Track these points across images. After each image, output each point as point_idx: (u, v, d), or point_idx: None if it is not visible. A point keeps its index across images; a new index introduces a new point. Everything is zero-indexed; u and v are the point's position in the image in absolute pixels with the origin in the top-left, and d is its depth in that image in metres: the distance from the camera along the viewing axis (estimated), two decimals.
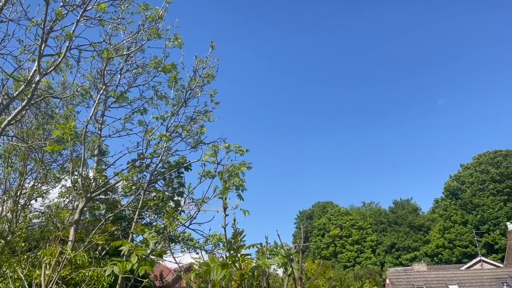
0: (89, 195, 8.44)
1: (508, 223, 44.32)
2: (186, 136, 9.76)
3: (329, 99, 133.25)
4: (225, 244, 3.62)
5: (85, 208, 10.61)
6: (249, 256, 3.55)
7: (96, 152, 9.98)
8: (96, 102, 9.22)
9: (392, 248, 71.43)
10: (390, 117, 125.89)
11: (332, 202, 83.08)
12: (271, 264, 4.23)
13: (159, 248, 3.58)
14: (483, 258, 46.14)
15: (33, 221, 11.07)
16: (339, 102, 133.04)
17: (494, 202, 57.93)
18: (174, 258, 5.24)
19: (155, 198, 9.34)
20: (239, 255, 3.49)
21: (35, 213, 10.82)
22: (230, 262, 3.44)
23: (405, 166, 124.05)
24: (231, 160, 8.08)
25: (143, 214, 9.71)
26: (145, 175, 10.26)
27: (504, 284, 33.19)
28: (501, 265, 43.89)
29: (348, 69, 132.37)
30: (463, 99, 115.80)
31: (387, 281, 41.66)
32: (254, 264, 3.66)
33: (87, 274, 6.33)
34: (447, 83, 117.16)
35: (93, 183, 8.97)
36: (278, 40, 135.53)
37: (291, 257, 4.37)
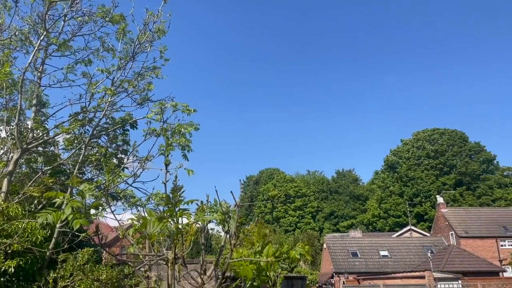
0: (25, 146, 8.03)
1: (438, 196, 47.81)
2: (133, 92, 9.46)
3: (280, 70, 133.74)
4: (164, 199, 3.64)
5: (21, 160, 10.14)
6: (187, 211, 3.60)
7: (34, 102, 9.44)
8: (36, 48, 8.63)
9: (331, 216, 75.00)
10: (339, 89, 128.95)
11: (279, 169, 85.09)
12: (209, 221, 4.32)
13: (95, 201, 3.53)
14: (412, 228, 49.71)
15: None
16: (290, 73, 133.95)
17: (428, 177, 61.99)
18: (114, 214, 5.19)
19: (97, 154, 9.07)
20: (177, 209, 3.52)
21: None
22: (167, 216, 3.48)
23: (350, 138, 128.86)
24: (178, 119, 7.96)
25: (84, 169, 9.43)
26: (87, 129, 9.90)
27: (429, 251, 36.04)
28: (428, 234, 47.58)
29: (302, 38, 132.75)
30: (412, 77, 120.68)
31: (324, 245, 43.91)
32: (192, 219, 3.72)
33: (20, 226, 6.13)
34: (399, 60, 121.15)
35: (30, 134, 8.53)
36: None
37: (229, 214, 4.48)
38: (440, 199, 45.46)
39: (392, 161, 67.98)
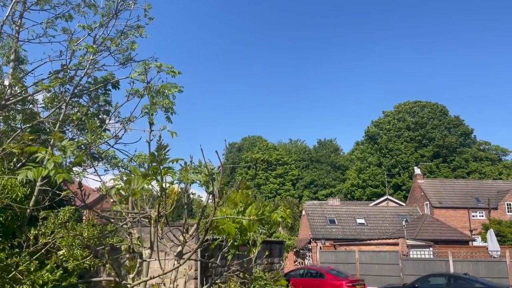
0: (3, 102, 7.82)
1: (415, 167, 48.96)
2: (115, 51, 9.20)
3: (263, 40, 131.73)
4: (148, 158, 3.63)
5: None
6: (172, 170, 3.61)
7: (12, 57, 9.10)
8: (14, 0, 8.26)
9: (311, 184, 76.28)
10: (325, 57, 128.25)
11: (261, 137, 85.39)
12: (193, 181, 4.34)
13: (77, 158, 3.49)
14: (389, 197, 51.08)
15: None
16: (275, 43, 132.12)
17: (407, 148, 63.16)
18: (97, 173, 5.17)
19: (78, 113, 8.89)
20: (161, 167, 3.53)
21: None
22: (152, 173, 3.49)
23: (333, 109, 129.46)
24: (162, 81, 7.83)
25: (65, 128, 9.26)
26: (68, 88, 9.66)
27: (404, 220, 37.26)
28: (404, 204, 49.03)
29: (285, 4, 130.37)
30: (398, 50, 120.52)
31: (303, 212, 44.87)
32: (176, 178, 3.73)
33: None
34: (385, 31, 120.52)
35: (9, 90, 8.28)
36: None
37: (213, 176, 4.50)
38: (417, 171, 46.65)
39: (373, 132, 68.80)
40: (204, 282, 11.78)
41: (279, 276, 14.92)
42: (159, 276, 3.67)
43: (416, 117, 65.52)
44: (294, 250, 40.34)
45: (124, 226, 4.32)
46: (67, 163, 3.98)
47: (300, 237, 44.74)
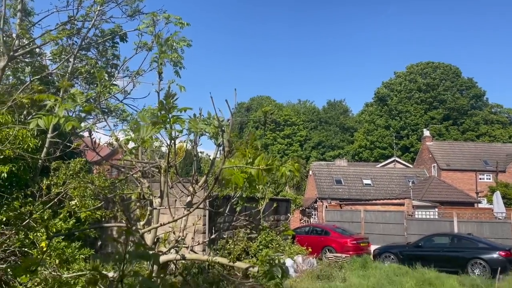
0: (11, 53, 7.75)
1: (424, 129, 48.63)
2: (122, 2, 9.00)
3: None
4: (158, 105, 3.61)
5: (8, 71, 9.88)
6: (181, 118, 3.58)
7: (19, 7, 8.95)
8: None
9: (319, 145, 76.35)
10: (337, 19, 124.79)
11: (270, 97, 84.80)
12: (202, 132, 4.33)
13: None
14: (397, 159, 51.13)
15: None
16: (287, 2, 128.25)
17: (417, 110, 62.49)
18: (107, 123, 5.18)
19: (86, 65, 8.82)
20: (170, 115, 3.51)
21: None
22: (161, 121, 3.47)
23: (344, 68, 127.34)
24: (170, 33, 7.68)
25: (73, 81, 9.24)
26: (75, 41, 9.55)
27: (410, 181, 37.43)
28: (411, 166, 49.11)
29: None
30: (413, 9, 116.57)
31: (310, 172, 45.22)
32: (185, 127, 3.72)
33: (11, 132, 6.12)
34: None
35: (17, 41, 8.20)
36: None
37: (222, 128, 4.49)
38: (426, 133, 46.37)
39: (383, 93, 67.88)
40: (213, 232, 12.08)
41: (286, 226, 15.22)
42: (169, 222, 3.75)
43: (428, 78, 64.28)
44: (300, 209, 41.03)
45: (135, 175, 4.37)
46: (78, 112, 3.98)
47: (306, 196, 45.36)
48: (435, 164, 42.49)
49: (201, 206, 4.29)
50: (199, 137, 5.02)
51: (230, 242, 15.30)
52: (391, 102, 65.34)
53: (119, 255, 2.95)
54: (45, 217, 6.24)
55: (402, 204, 27.96)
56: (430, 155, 43.49)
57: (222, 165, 3.73)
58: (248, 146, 4.48)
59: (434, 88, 63.05)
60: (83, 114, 3.97)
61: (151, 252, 3.83)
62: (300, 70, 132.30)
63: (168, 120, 3.51)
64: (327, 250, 21.19)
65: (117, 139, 3.90)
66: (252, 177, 4.39)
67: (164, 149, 4.56)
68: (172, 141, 3.76)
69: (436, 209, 29.08)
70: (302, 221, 39.24)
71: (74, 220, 6.78)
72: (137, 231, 3.49)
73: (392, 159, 50.95)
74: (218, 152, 4.70)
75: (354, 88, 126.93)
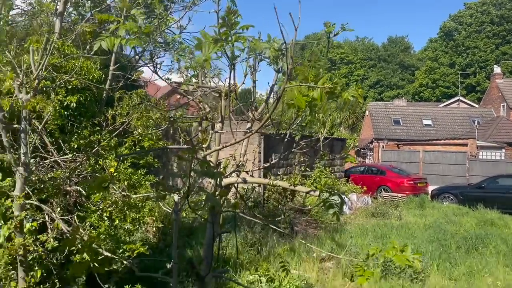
0: None
1: (495, 66, 44.90)
2: None
3: None
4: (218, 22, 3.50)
5: (70, 6, 10.09)
6: (243, 36, 3.46)
7: None
8: None
9: (377, 84, 73.41)
10: None
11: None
12: (264, 51, 4.18)
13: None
14: (461, 98, 48.19)
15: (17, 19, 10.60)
16: None
17: (487, 45, 57.55)
18: (167, 50, 5.18)
19: None
20: (232, 33, 3.40)
21: (16, 10, 10.26)
22: (223, 38, 3.38)
23: (406, 1, 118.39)
24: None
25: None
26: None
27: (475, 121, 35.37)
28: (477, 106, 46.15)
29: None
30: None
31: (367, 112, 43.99)
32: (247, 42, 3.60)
33: (76, 63, 6.32)
34: None
35: None
36: None
37: (282, 51, 4.31)
38: (497, 69, 42.74)
39: (449, 27, 62.75)
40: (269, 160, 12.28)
41: (346, 152, 15.20)
42: (231, 145, 3.75)
43: (503, 9, 58.24)
44: (356, 149, 40.50)
45: (195, 99, 4.39)
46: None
47: (362, 137, 44.52)
48: (504, 104, 39.54)
49: (259, 132, 4.26)
50: (258, 63, 4.89)
51: (285, 178, 15.54)
52: (458, 37, 60.48)
53: (185, 172, 3.00)
54: (112, 145, 6.56)
55: (465, 145, 26.68)
56: (500, 94, 40.41)
57: (286, 84, 3.61)
58: (311, 68, 4.30)
59: (509, 21, 57.24)
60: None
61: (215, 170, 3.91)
62: (358, 5, 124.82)
63: (229, 37, 3.41)
64: (382, 190, 21.01)
65: (177, 59, 3.87)
66: (314, 101, 4.25)
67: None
68: (233, 62, 3.68)
69: (503, 150, 27.50)
70: (357, 162, 38.91)
71: (138, 149, 7.11)
72: (201, 149, 3.56)
73: (456, 98, 48.06)
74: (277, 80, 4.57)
75: (418, 23, 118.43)
